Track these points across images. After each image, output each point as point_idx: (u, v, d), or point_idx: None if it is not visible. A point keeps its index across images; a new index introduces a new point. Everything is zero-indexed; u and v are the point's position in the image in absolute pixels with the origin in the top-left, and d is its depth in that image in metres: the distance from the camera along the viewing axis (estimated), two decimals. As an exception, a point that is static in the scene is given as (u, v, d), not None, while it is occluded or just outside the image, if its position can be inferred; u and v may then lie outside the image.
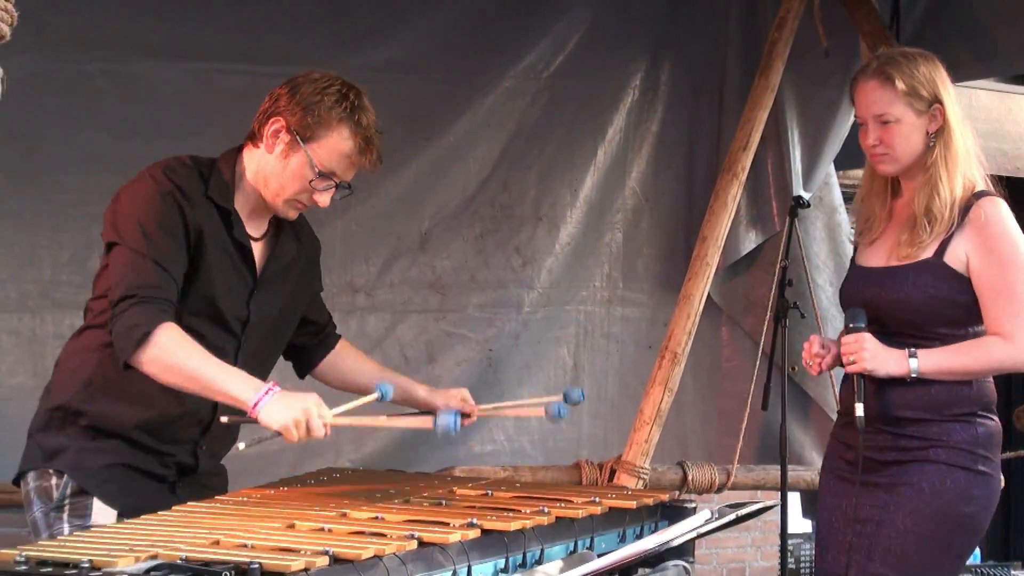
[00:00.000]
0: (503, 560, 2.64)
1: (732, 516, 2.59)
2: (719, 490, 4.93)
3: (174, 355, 2.86)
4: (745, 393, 4.88)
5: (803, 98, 5.00)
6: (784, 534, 4.57)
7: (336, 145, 3.06)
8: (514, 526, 2.67)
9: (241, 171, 3.14)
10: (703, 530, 2.45)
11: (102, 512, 2.95)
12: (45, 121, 4.32)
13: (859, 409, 3.24)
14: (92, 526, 2.85)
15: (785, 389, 4.58)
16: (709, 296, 5.01)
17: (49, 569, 2.16)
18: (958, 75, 5.12)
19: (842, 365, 3.34)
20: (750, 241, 5.08)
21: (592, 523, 2.90)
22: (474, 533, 2.60)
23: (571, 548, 2.82)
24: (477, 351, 4.89)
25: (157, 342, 2.85)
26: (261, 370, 3.25)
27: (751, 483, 4.95)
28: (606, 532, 2.92)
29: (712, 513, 2.55)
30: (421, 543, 2.48)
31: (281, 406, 2.83)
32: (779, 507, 4.52)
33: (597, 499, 3.01)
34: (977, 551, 7.11)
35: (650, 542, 2.24)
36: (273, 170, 3.09)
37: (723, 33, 5.13)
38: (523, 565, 2.69)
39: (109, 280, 2.96)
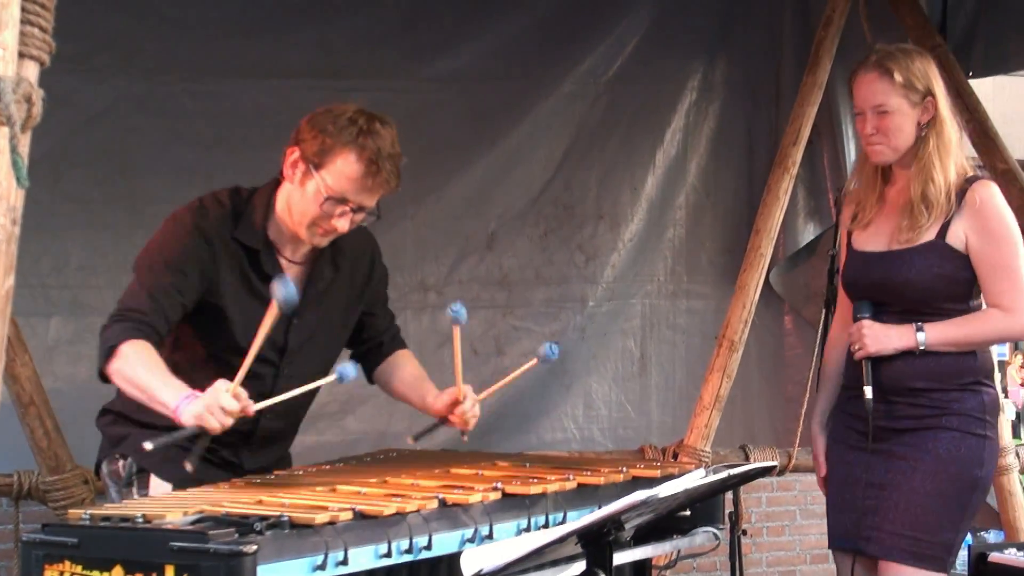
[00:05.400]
0: (526, 520, 2.90)
1: (725, 474, 2.80)
2: (781, 472, 5.13)
3: (129, 366, 3.03)
4: (808, 379, 5.05)
5: (855, 93, 5.16)
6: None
7: (343, 169, 3.15)
8: (534, 490, 2.93)
9: (274, 203, 3.30)
10: (692, 486, 2.65)
11: (159, 487, 3.23)
12: (136, 139, 4.68)
13: (868, 392, 3.48)
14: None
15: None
16: (773, 287, 5.24)
17: (107, 523, 2.48)
18: (1010, 65, 5.28)
19: None
20: (808, 233, 5.28)
21: (616, 490, 3.13)
22: (496, 495, 2.86)
23: (594, 512, 3.06)
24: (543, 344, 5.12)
25: (120, 353, 3.04)
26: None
27: (812, 466, 5.10)
28: (631, 499, 3.14)
29: (706, 472, 2.77)
30: (444, 504, 2.75)
31: (192, 405, 2.95)
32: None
33: (624, 469, 3.25)
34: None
35: (637, 496, 2.45)
36: (294, 199, 3.23)
37: (778, 32, 5.32)
38: (546, 526, 2.93)
39: None
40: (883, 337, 3.47)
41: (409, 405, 3.64)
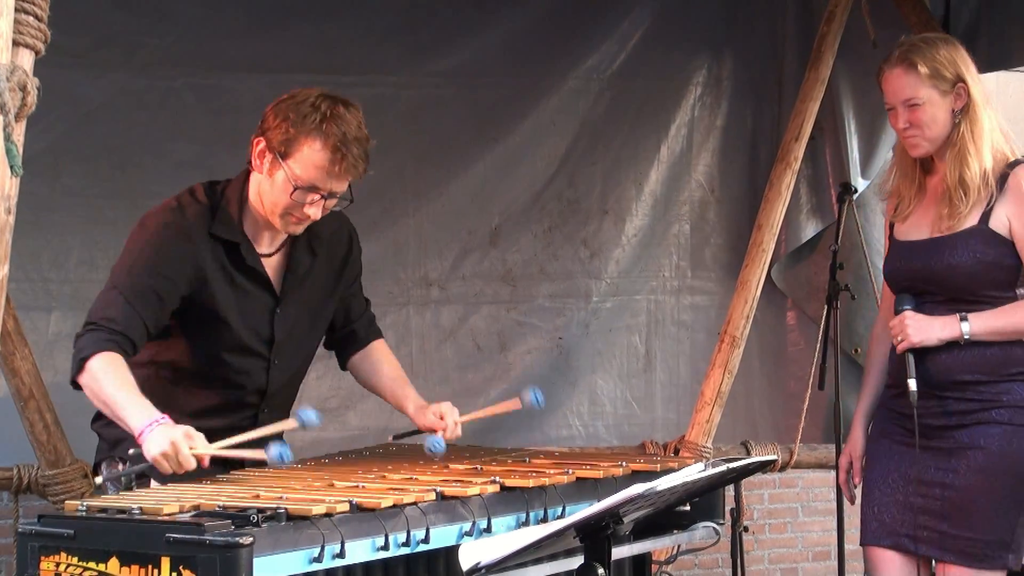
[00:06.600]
0: (524, 514, 2.89)
1: (723, 468, 2.78)
2: (782, 469, 5.11)
3: (96, 382, 2.99)
4: (810, 375, 5.04)
5: (858, 89, 5.16)
6: (840, 510, 4.71)
7: (309, 157, 3.12)
8: (533, 484, 2.92)
9: (246, 195, 3.27)
10: (690, 480, 2.64)
11: None
12: (137, 135, 4.68)
13: (912, 384, 3.38)
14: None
15: (838, 368, 4.74)
16: (775, 283, 5.23)
17: (103, 514, 2.47)
18: (1014, 61, 5.26)
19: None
20: (810, 228, 5.26)
21: (615, 484, 3.12)
22: (494, 489, 2.85)
23: (594, 506, 3.05)
24: (547, 340, 5.13)
25: (89, 368, 3.00)
26: (294, 379, 3.48)
27: (814, 461, 5.12)
28: (629, 492, 3.13)
29: (705, 466, 2.76)
30: (441, 496, 2.74)
31: (156, 438, 2.87)
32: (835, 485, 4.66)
33: (623, 463, 3.24)
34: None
35: (634, 490, 2.44)
36: (264, 189, 3.21)
37: (781, 28, 5.30)
38: (544, 520, 2.93)
39: None
40: (926, 327, 3.40)
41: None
